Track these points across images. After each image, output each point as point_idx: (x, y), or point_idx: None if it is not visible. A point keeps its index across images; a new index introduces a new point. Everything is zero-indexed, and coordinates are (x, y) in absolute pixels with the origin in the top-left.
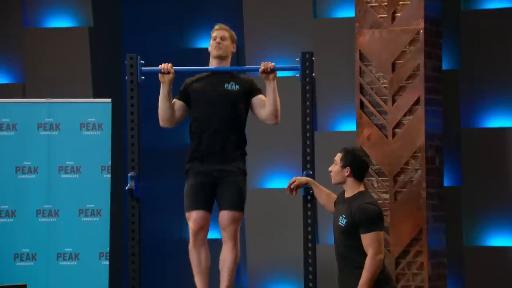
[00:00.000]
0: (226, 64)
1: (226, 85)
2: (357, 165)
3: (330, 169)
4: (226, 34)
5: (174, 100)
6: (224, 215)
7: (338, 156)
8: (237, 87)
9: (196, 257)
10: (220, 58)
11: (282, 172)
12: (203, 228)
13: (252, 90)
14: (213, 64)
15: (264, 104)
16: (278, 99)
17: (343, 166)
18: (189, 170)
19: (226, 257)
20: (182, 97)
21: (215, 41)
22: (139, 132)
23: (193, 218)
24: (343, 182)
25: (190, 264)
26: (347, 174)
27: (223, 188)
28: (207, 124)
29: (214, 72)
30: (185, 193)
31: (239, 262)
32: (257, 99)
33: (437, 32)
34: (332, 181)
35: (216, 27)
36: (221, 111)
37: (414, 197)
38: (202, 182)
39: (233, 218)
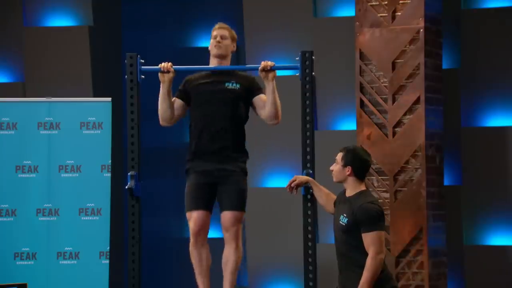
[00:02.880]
0: (226, 63)
1: (226, 83)
2: (358, 164)
3: (331, 168)
4: (226, 33)
5: (174, 98)
6: (226, 216)
7: (339, 155)
8: (238, 85)
9: (197, 257)
10: (220, 57)
11: (282, 171)
12: (203, 228)
13: (253, 89)
14: (213, 63)
15: (265, 104)
16: (278, 99)
17: (344, 165)
18: (189, 169)
19: (229, 258)
20: (182, 95)
21: (215, 40)
22: (139, 131)
23: (193, 218)
24: (344, 181)
25: (190, 263)
26: (348, 173)
27: (224, 188)
28: (207, 122)
29: (214, 71)
30: (186, 192)
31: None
32: (258, 99)
33: (437, 31)
34: (334, 180)
35: (216, 26)
36: (222, 109)
37: (414, 196)
38: (202, 182)
39: (235, 218)
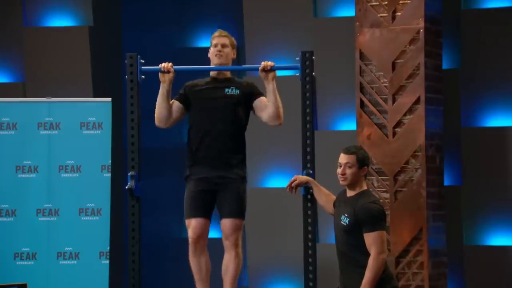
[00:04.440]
0: (227, 70)
1: (226, 90)
2: (368, 163)
3: (342, 171)
4: (226, 41)
5: (173, 100)
6: (226, 224)
7: (350, 158)
8: (238, 91)
9: (196, 265)
10: (221, 65)
11: (282, 172)
12: (202, 236)
13: (252, 93)
14: (213, 73)
15: (266, 106)
16: (279, 100)
17: (360, 167)
18: (189, 176)
19: (229, 265)
20: (181, 99)
21: (216, 49)
22: (139, 131)
23: (192, 226)
24: (356, 182)
25: (190, 263)
26: (364, 173)
27: (224, 195)
28: (207, 129)
29: (214, 77)
30: (185, 199)
31: None
32: (259, 102)
33: (437, 31)
34: (346, 183)
35: (216, 33)
36: (222, 116)
37: (414, 196)
38: (201, 189)
39: (235, 226)
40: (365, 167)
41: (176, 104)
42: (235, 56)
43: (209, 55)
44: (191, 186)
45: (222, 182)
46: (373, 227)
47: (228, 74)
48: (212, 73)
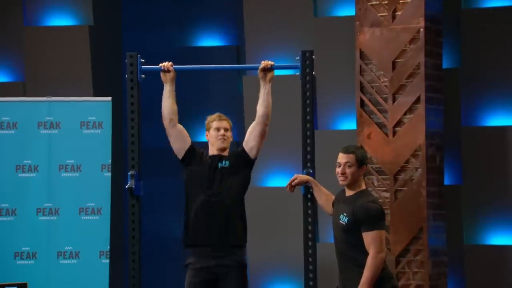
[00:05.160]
0: (226, 153)
1: (219, 164)
2: (367, 161)
3: (341, 171)
4: (227, 125)
5: (186, 133)
6: None
7: (349, 157)
8: (227, 163)
9: None
10: (224, 149)
11: (283, 171)
12: None
13: (241, 154)
14: (212, 151)
15: (251, 131)
16: (270, 102)
17: (359, 166)
18: (188, 265)
19: None
20: (188, 145)
21: (219, 133)
22: (139, 130)
23: None
24: (356, 182)
25: None
26: (362, 172)
27: (225, 285)
28: (203, 209)
29: (213, 155)
30: None
31: None
32: (246, 138)
33: (437, 30)
34: (346, 182)
35: (216, 117)
36: (217, 194)
37: (415, 196)
38: (202, 280)
39: None
40: (364, 166)
41: (184, 132)
42: (232, 139)
43: (209, 138)
44: (191, 276)
45: (222, 272)
46: (371, 226)
47: (227, 153)
48: (212, 152)
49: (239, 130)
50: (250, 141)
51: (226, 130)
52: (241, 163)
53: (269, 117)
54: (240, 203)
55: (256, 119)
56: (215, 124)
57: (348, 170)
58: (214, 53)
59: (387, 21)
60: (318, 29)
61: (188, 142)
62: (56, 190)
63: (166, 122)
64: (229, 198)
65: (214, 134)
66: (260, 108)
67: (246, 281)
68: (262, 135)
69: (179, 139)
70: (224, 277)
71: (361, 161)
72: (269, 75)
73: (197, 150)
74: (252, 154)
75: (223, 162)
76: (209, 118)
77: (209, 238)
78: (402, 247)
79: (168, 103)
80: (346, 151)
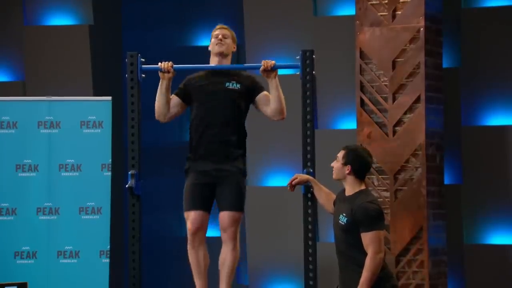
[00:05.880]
0: (227, 62)
1: (227, 83)
2: (358, 164)
3: (332, 164)
4: (227, 32)
5: (172, 95)
6: (224, 216)
7: (340, 153)
8: (238, 85)
9: (195, 258)
10: (222, 55)
11: (283, 170)
12: (201, 228)
13: (254, 88)
14: (214, 61)
15: (269, 101)
16: (282, 95)
17: (344, 164)
18: (188, 169)
19: (226, 258)
20: (181, 94)
21: (217, 39)
22: (139, 130)
23: (191, 218)
24: (343, 179)
25: (188, 256)
26: (347, 172)
27: (223, 188)
28: (207, 122)
29: (215, 70)
30: (184, 192)
31: (240, 260)
32: (261, 96)
33: (437, 30)
34: (333, 177)
35: (217, 26)
36: (222, 109)
37: (415, 195)
38: (200, 182)
39: (233, 219)
40: (349, 166)
41: (175, 100)
42: (235, 50)
43: (210, 47)
44: (190, 179)
45: (221, 175)
46: (370, 227)
47: (229, 61)
48: (212, 61)
49: None
50: (263, 104)
51: (225, 36)
52: (249, 94)
53: (284, 111)
54: (243, 117)
55: (270, 115)
56: (215, 32)
57: (334, 164)
58: None
59: (387, 21)
60: (318, 28)
61: (179, 101)
62: (56, 189)
63: (160, 117)
64: (232, 113)
65: (213, 40)
66: (272, 104)
67: (244, 188)
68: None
69: (178, 110)
70: (222, 181)
71: (347, 160)
72: (273, 73)
73: (187, 84)
74: (255, 104)
75: (232, 83)
76: (213, 29)
77: (211, 149)
78: (402, 246)
79: (163, 100)
80: (343, 146)
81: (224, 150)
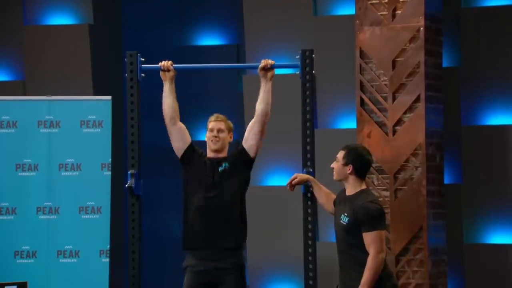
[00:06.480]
0: (224, 155)
1: (219, 168)
2: (359, 163)
3: (332, 165)
4: (222, 126)
5: (185, 131)
6: None
7: (340, 154)
8: (227, 164)
9: None
10: (217, 151)
11: (283, 170)
12: None
13: (241, 154)
14: (210, 155)
15: (250, 129)
16: (270, 100)
17: (345, 164)
18: (186, 268)
19: None
20: (187, 146)
21: (212, 134)
22: (139, 129)
23: None
24: (344, 179)
25: None
26: (349, 171)
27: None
28: (202, 211)
29: (211, 157)
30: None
31: None
32: (247, 134)
33: (437, 29)
34: (334, 177)
35: (213, 118)
36: (217, 196)
37: (415, 195)
38: (200, 283)
39: None
40: (350, 165)
41: (183, 130)
42: (231, 140)
43: (206, 138)
44: (189, 279)
45: (221, 274)
46: (371, 226)
47: (225, 154)
48: (209, 154)
49: (239, 130)
50: (249, 139)
51: (220, 131)
52: (240, 164)
53: (268, 115)
54: (240, 202)
55: (255, 117)
56: (210, 125)
57: (335, 165)
58: (214, 52)
59: (387, 20)
60: (318, 28)
61: (187, 141)
62: (56, 189)
63: (167, 120)
64: (229, 200)
65: (208, 135)
66: (259, 106)
67: (245, 283)
68: (261, 133)
69: (178, 138)
70: (222, 280)
71: (348, 160)
72: (270, 73)
73: (196, 150)
74: (251, 152)
75: (223, 165)
76: (209, 118)
77: (208, 241)
78: (402, 246)
79: (168, 102)
80: (343, 147)
81: (221, 240)
